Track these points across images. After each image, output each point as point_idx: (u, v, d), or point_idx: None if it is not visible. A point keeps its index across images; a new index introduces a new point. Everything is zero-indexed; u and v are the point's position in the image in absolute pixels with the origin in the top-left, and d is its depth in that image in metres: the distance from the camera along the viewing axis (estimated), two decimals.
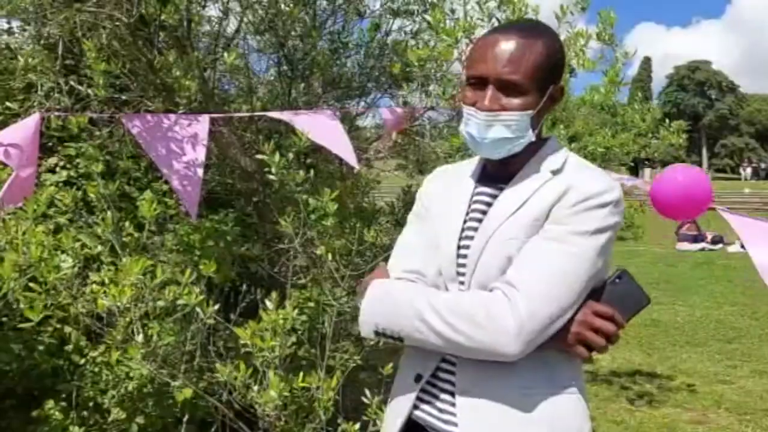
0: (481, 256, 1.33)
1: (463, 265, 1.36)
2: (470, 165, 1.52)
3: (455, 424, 1.34)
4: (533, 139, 1.36)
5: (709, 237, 16.24)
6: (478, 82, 1.32)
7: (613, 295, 1.33)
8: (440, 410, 1.38)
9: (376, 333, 1.37)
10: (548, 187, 1.33)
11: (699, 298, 9.48)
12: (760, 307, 8.74)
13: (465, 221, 1.39)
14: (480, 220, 1.37)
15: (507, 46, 1.29)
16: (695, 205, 3.28)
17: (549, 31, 1.40)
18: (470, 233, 1.37)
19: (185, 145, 2.44)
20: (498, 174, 1.41)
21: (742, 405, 4.95)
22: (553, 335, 1.26)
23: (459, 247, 1.37)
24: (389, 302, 1.36)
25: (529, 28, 1.36)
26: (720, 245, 16.15)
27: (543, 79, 1.32)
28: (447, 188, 1.50)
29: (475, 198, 1.42)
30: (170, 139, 2.43)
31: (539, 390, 1.31)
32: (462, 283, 1.36)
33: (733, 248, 15.79)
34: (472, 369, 1.32)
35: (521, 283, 1.25)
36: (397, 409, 1.45)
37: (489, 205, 1.38)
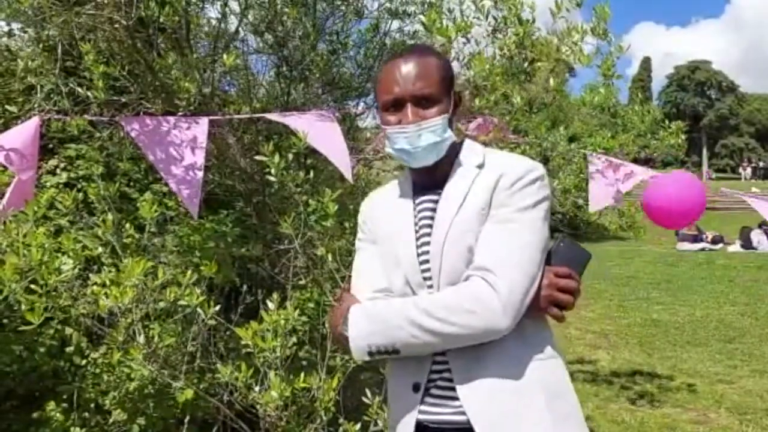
0: (443, 256, 1.44)
1: (427, 270, 1.47)
2: (400, 183, 1.64)
3: (463, 413, 1.40)
4: (454, 138, 1.52)
5: (710, 237, 16.24)
6: (396, 104, 1.48)
7: (562, 257, 1.48)
8: (445, 407, 1.43)
9: (370, 353, 1.42)
10: (480, 178, 1.48)
11: (699, 298, 9.48)
12: (760, 307, 8.74)
13: (416, 231, 1.51)
14: (430, 226, 1.49)
15: (410, 66, 1.47)
16: (688, 216, 3.29)
17: (437, 51, 1.62)
18: (425, 239, 1.49)
19: (184, 148, 2.44)
20: (429, 182, 1.54)
21: (742, 405, 4.95)
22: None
23: (418, 254, 1.48)
24: (377, 320, 1.42)
25: (421, 49, 1.56)
26: (720, 245, 16.15)
27: (446, 87, 1.50)
28: (386, 209, 1.61)
29: (419, 207, 1.54)
30: (169, 143, 2.43)
31: (524, 360, 1.42)
32: (430, 286, 1.46)
33: (734, 248, 15.81)
34: (463, 359, 1.42)
35: (493, 265, 1.38)
36: (403, 423, 1.48)
37: (433, 210, 1.51)
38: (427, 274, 1.47)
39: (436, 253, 1.45)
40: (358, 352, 1.43)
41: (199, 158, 2.48)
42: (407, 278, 1.48)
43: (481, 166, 1.50)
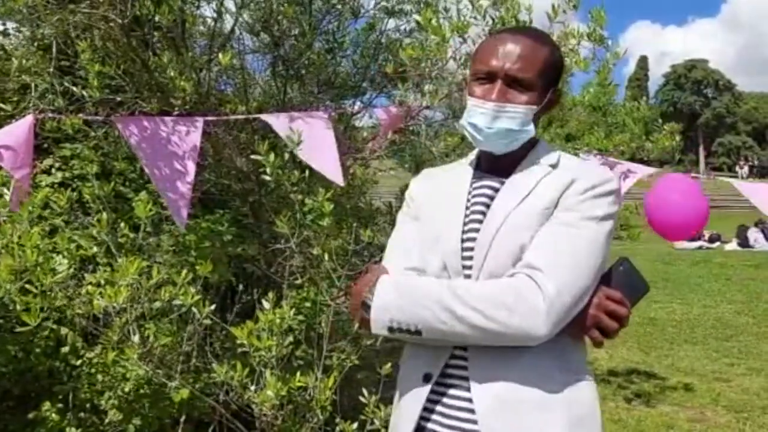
0: (491, 247, 1.35)
1: (470, 258, 1.37)
2: (461, 164, 1.55)
3: (473, 421, 1.31)
4: (533, 134, 1.42)
5: (707, 235, 16.28)
6: (487, 77, 1.39)
7: (618, 281, 1.38)
8: (453, 407, 1.35)
9: (390, 329, 1.33)
10: (551, 178, 1.39)
11: (696, 296, 9.50)
12: (757, 305, 8.76)
13: (466, 214, 1.42)
14: (483, 213, 1.40)
15: (517, 45, 1.38)
16: (692, 229, 3.29)
17: (553, 41, 1.53)
18: (474, 225, 1.39)
19: (177, 153, 2.42)
20: (494, 169, 1.45)
21: (739, 403, 4.96)
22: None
23: (463, 240, 1.39)
24: (407, 294, 1.33)
25: (536, 33, 1.47)
26: (717, 243, 16.20)
27: (547, 79, 1.41)
28: (438, 187, 1.52)
29: (475, 192, 1.45)
30: (163, 147, 2.41)
31: (554, 375, 1.32)
32: (468, 276, 1.37)
33: (731, 246, 15.85)
34: (486, 359, 1.32)
35: (544, 265, 1.27)
36: (407, 414, 1.40)
37: (491, 198, 1.41)
38: (468, 263, 1.37)
39: (484, 242, 1.35)
40: (378, 324, 1.33)
41: (191, 167, 2.46)
42: (446, 262, 1.39)
43: (554, 167, 1.41)
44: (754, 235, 15.75)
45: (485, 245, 1.35)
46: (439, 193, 1.50)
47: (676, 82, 68.57)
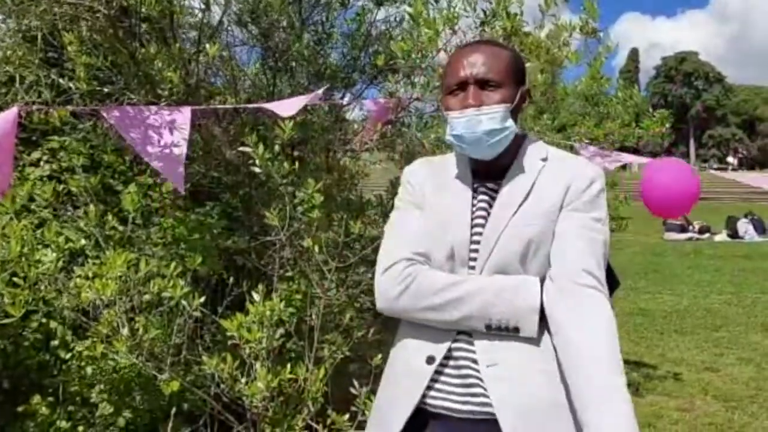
0: (498, 242, 1.42)
1: (476, 251, 1.45)
2: (457, 164, 1.59)
3: (478, 402, 1.39)
4: (517, 130, 1.49)
5: (697, 227, 16.38)
6: (459, 87, 1.47)
7: None
8: (454, 393, 1.41)
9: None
10: (546, 173, 1.48)
11: (686, 287, 9.56)
12: (746, 296, 8.83)
13: (473, 211, 1.49)
14: (487, 210, 1.48)
15: (480, 53, 1.48)
16: (685, 204, 3.33)
17: (511, 47, 1.68)
18: (480, 221, 1.47)
19: (165, 129, 2.39)
20: (488, 171, 1.52)
21: (728, 392, 5.00)
22: None
23: (471, 234, 1.46)
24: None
25: (496, 42, 1.62)
26: (707, 235, 16.29)
27: (515, 78, 1.49)
28: (439, 177, 1.57)
29: (476, 194, 1.52)
30: (150, 126, 2.38)
31: (555, 364, 1.39)
32: (472, 267, 1.45)
33: (720, 237, 15.95)
34: (495, 343, 1.40)
35: (600, 282, 1.39)
36: (404, 396, 1.45)
37: (492, 198, 1.49)
38: (474, 255, 1.45)
39: (489, 238, 1.43)
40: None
41: (182, 136, 2.42)
42: (454, 251, 1.46)
43: (545, 160, 1.50)
44: (743, 226, 15.87)
45: (492, 240, 1.43)
46: (441, 183, 1.56)
47: (667, 75, 68.83)
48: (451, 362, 1.43)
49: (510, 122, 1.46)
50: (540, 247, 1.42)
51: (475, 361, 1.40)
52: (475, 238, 1.45)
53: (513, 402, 1.35)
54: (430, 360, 1.43)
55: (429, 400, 1.43)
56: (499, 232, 1.43)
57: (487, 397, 1.37)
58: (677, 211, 3.44)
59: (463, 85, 1.46)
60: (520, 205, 1.44)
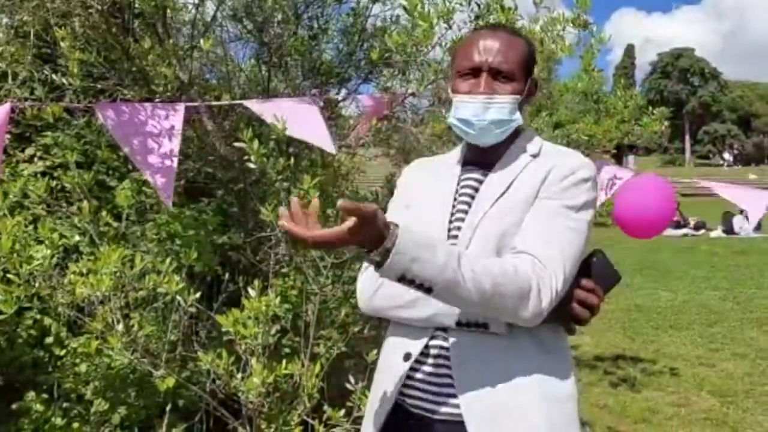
0: (475, 232, 1.41)
1: (454, 244, 1.42)
2: (451, 155, 1.61)
3: (453, 403, 1.37)
4: (521, 122, 1.49)
5: (692, 223, 16.43)
6: (471, 72, 1.46)
7: (594, 273, 1.44)
8: (432, 383, 1.40)
9: (400, 279, 1.21)
10: (531, 168, 1.46)
11: (681, 283, 9.58)
12: (741, 292, 8.85)
13: (453, 205, 1.48)
14: (468, 203, 1.47)
15: (497, 40, 1.46)
16: (657, 228, 3.34)
17: (525, 35, 1.64)
18: (460, 215, 1.46)
19: (159, 137, 2.39)
20: (480, 161, 1.52)
21: (723, 387, 5.02)
22: None
23: (450, 229, 1.45)
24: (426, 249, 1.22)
25: (511, 29, 1.58)
26: (703, 231, 16.34)
27: (526, 70, 1.49)
28: (430, 175, 1.58)
29: (463, 183, 1.51)
30: (144, 131, 2.38)
31: (531, 356, 1.38)
32: None
33: (716, 233, 16.00)
34: (467, 340, 1.38)
35: (545, 258, 1.32)
36: (383, 394, 1.46)
37: (476, 189, 1.48)
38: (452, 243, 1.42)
39: (467, 229, 1.42)
40: (390, 272, 1.20)
41: (175, 146, 2.43)
42: None
43: (535, 156, 1.48)
44: (739, 222, 15.90)
45: (470, 230, 1.42)
46: (429, 183, 1.56)
47: (663, 71, 68.93)
48: (430, 360, 1.41)
49: (517, 114, 1.46)
50: (514, 240, 1.39)
51: (447, 358, 1.39)
52: (454, 233, 1.44)
53: (479, 407, 1.34)
54: (406, 357, 1.43)
55: (408, 399, 1.43)
56: (476, 224, 1.41)
57: (456, 397, 1.36)
58: (653, 234, 3.44)
59: (476, 71, 1.45)
60: (498, 198, 1.43)
